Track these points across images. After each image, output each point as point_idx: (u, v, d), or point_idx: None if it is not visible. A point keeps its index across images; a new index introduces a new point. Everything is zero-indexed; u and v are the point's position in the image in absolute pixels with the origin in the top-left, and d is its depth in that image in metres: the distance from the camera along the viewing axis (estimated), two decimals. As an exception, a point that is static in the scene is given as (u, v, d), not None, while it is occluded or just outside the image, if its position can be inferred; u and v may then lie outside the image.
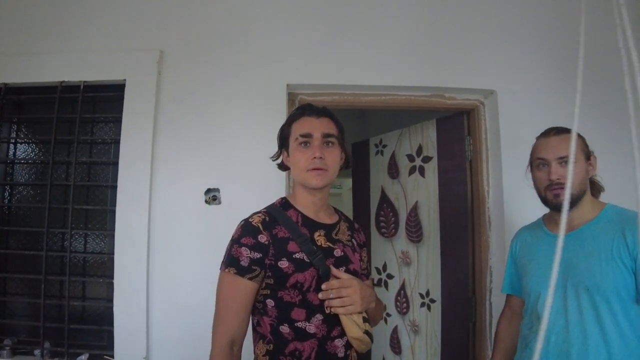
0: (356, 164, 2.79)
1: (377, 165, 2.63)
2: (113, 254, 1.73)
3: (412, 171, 2.39)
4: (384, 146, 2.59)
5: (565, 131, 1.24)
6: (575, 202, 1.19)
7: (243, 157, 1.78)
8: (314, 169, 1.09)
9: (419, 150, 2.35)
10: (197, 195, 1.77)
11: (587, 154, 1.23)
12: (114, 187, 1.77)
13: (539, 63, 1.99)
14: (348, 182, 6.01)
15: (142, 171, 1.75)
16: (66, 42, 1.88)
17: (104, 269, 1.83)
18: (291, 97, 1.84)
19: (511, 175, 1.86)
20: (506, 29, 2.00)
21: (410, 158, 2.40)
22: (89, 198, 1.89)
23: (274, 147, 1.27)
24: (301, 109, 1.20)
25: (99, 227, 1.87)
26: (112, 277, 1.72)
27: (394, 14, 1.95)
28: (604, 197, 1.33)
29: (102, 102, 1.90)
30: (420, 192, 2.33)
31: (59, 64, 1.84)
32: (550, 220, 1.33)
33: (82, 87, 1.82)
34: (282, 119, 1.78)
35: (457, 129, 2.15)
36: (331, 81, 1.83)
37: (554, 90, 1.95)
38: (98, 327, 1.78)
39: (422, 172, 2.33)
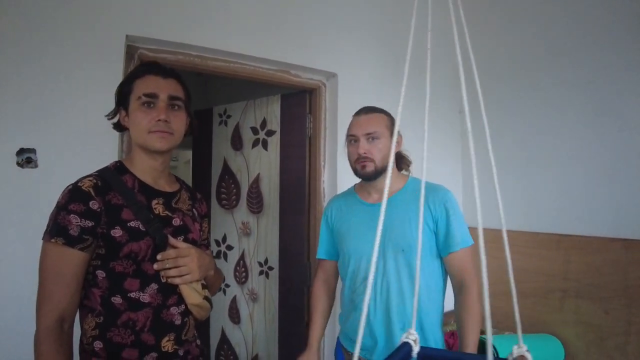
0: (198, 133, 2.68)
1: (221, 135, 2.57)
2: None
3: (255, 144, 2.42)
4: (229, 117, 2.54)
5: (374, 111, 1.38)
6: (379, 173, 1.33)
7: (68, 113, 1.47)
8: (157, 131, 1.03)
9: (263, 123, 2.39)
10: (6, 155, 1.40)
11: (392, 132, 1.35)
12: None
13: (374, 53, 2.27)
14: (184, 155, 5.64)
15: None
16: None
17: None
18: (130, 50, 1.61)
19: (345, 151, 2.06)
20: (350, 19, 2.19)
21: (255, 131, 2.42)
22: None
23: (107, 104, 1.12)
24: (146, 65, 1.10)
25: None
26: None
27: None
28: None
29: None
30: (263, 165, 2.39)
31: None
32: (361, 190, 1.46)
33: None
34: (118, 74, 1.56)
35: (300, 106, 2.26)
36: (178, 39, 1.67)
37: (384, 77, 2.26)
38: None
39: (265, 145, 2.38)
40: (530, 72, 2.20)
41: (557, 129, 2.09)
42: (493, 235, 1.19)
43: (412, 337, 0.50)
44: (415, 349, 0.49)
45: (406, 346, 0.48)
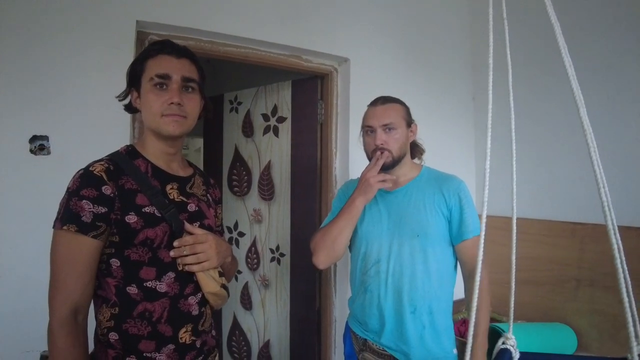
0: (209, 120, 2.67)
1: (231, 122, 2.56)
2: None
3: (266, 131, 2.41)
4: (239, 103, 2.52)
5: (390, 101, 1.39)
6: (396, 163, 1.37)
7: (80, 99, 1.47)
8: (170, 115, 0.99)
9: (274, 110, 2.37)
10: (19, 143, 1.41)
11: (408, 122, 1.39)
12: None
13: (388, 39, 2.23)
14: (195, 143, 5.64)
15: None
16: None
17: None
18: (141, 36, 1.60)
19: (357, 138, 2.05)
20: (362, 3, 2.15)
21: (265, 117, 2.41)
22: None
23: (118, 90, 1.10)
24: (159, 44, 1.04)
25: None
26: None
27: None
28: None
29: None
30: (274, 152, 2.38)
31: None
32: None
33: None
34: (129, 59, 1.52)
35: (311, 92, 2.23)
36: (188, 24, 1.66)
37: (397, 62, 2.24)
38: None
39: (276, 132, 2.37)
40: (545, 57, 2.14)
41: (573, 116, 2.03)
42: (503, 223, 1.16)
43: (511, 343, 0.45)
44: (516, 356, 0.45)
45: (507, 353, 0.44)
